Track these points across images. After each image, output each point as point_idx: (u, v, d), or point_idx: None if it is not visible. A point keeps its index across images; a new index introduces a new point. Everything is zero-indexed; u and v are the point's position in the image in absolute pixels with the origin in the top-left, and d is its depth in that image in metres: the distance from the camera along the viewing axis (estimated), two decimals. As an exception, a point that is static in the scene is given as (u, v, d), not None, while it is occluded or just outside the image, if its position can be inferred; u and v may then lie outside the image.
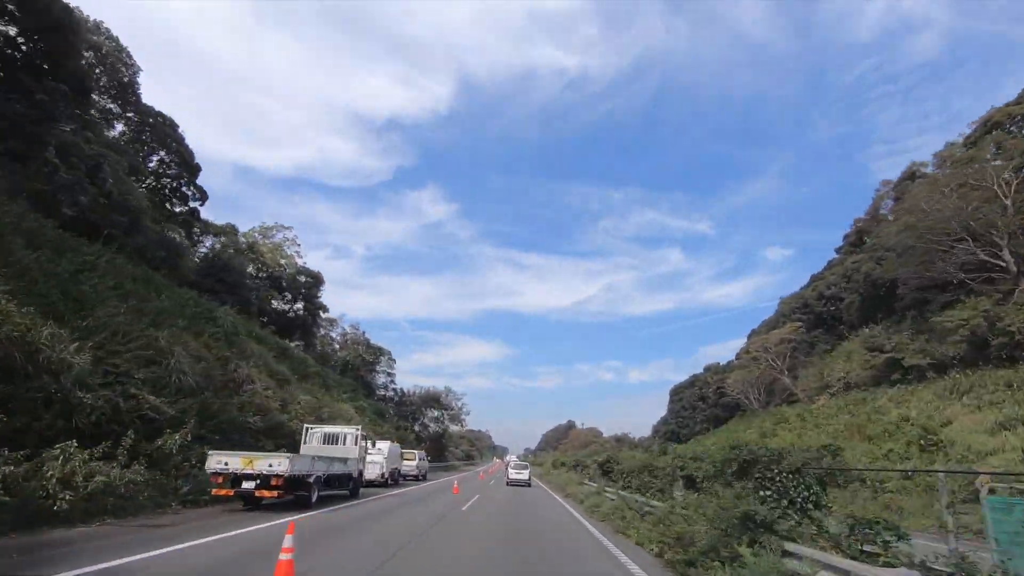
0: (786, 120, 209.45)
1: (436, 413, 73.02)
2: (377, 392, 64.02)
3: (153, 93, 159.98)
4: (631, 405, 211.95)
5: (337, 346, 62.66)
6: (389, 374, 67.71)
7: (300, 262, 51.64)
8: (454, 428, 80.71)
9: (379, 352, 65.93)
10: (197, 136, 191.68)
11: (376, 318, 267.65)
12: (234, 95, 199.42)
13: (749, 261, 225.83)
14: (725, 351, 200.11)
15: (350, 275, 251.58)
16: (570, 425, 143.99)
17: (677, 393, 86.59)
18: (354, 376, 56.32)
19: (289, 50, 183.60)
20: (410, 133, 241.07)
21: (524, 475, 32.95)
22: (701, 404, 78.58)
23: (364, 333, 65.59)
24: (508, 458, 75.96)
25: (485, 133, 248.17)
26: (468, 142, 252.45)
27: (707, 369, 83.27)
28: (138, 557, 7.21)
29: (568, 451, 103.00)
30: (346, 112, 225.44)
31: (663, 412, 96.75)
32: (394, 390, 68.52)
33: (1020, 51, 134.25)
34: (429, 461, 53.23)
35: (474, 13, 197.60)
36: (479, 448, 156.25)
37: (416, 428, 66.39)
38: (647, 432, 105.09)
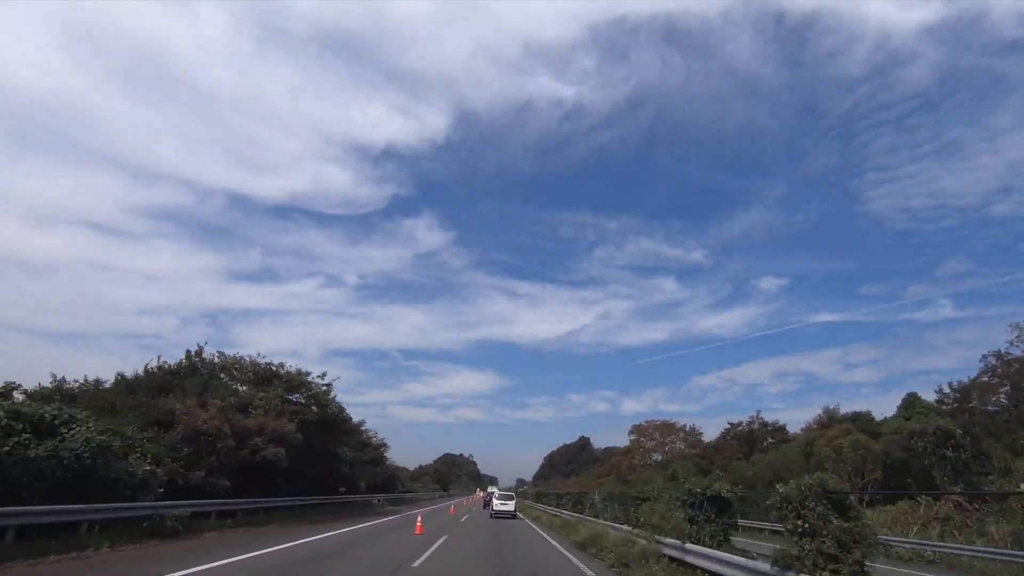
0: (779, 150, 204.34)
1: None
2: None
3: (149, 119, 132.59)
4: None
5: None
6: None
7: None
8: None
9: None
10: (193, 164, 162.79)
11: (368, 348, 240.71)
12: (231, 123, 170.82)
13: (743, 291, 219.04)
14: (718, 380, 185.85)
15: (342, 304, 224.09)
16: (583, 443, 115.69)
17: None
18: None
19: (289, 78, 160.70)
20: (406, 162, 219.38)
21: (510, 506, 35.07)
22: None
23: None
24: (491, 489, 78.62)
25: (481, 162, 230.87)
26: (464, 171, 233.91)
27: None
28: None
29: (624, 474, 71.88)
30: (343, 140, 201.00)
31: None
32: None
33: (1006, 83, 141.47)
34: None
35: (472, 44, 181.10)
36: (451, 474, 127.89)
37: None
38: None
